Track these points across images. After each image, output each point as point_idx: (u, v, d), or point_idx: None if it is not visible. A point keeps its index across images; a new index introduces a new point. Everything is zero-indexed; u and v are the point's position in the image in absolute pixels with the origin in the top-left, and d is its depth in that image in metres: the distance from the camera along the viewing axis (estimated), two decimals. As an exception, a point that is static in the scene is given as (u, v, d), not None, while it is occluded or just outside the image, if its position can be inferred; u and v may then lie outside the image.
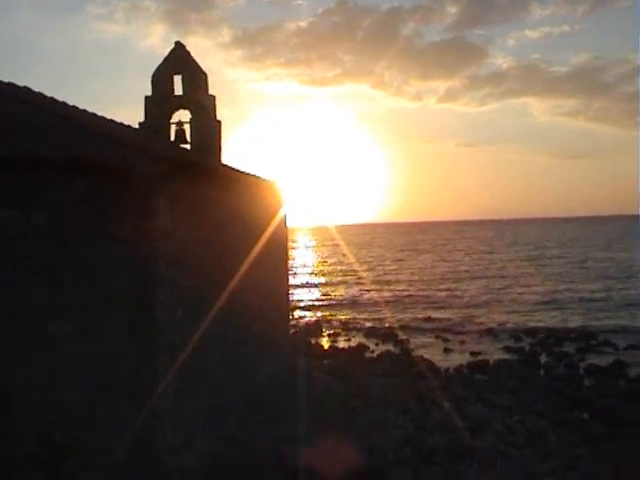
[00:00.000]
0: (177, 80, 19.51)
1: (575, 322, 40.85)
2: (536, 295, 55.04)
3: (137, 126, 18.73)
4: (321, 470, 12.54)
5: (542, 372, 27.19)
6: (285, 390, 16.85)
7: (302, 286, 69.19)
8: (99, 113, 14.12)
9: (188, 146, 19.02)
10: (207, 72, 19.70)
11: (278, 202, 19.30)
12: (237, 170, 15.57)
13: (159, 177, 10.68)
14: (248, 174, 16.33)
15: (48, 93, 12.06)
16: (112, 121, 14.51)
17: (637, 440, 17.41)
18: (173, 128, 19.41)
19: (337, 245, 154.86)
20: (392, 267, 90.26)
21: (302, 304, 53.70)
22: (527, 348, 32.58)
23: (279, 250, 19.29)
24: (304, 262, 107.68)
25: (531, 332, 38.09)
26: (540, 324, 41.20)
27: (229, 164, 16.68)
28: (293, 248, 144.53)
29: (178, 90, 19.51)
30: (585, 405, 21.14)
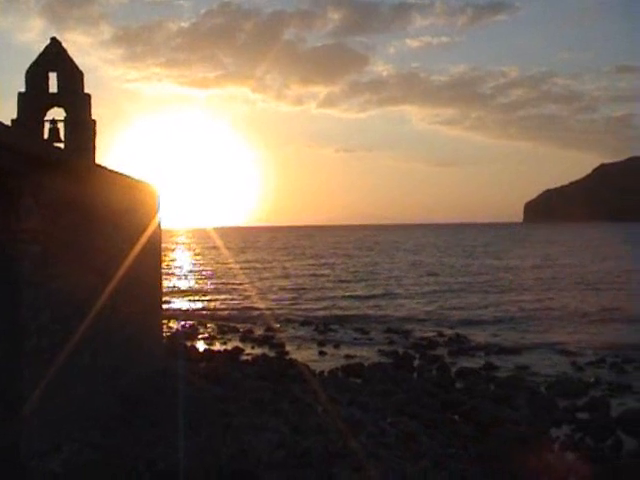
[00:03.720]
0: (52, 77, 19.12)
1: (449, 332, 40.92)
2: (416, 303, 55.67)
3: (9, 123, 18.20)
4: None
5: (415, 375, 27.68)
6: (159, 393, 16.65)
7: (179, 289, 68.44)
8: (-33, 108, 13.68)
9: (62, 145, 18.63)
10: (86, 70, 19.42)
11: (153, 204, 19.09)
12: (111, 171, 15.31)
13: (28, 176, 10.41)
14: (123, 175, 16.09)
15: None
16: (-20, 116, 14.06)
17: (504, 439, 17.93)
18: (47, 126, 19.02)
19: (216, 248, 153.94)
20: (270, 272, 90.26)
21: (178, 307, 53.16)
22: (401, 352, 33.07)
23: (153, 252, 19.08)
24: (181, 265, 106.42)
25: (405, 336, 38.77)
26: (413, 329, 41.85)
27: (104, 164, 16.39)
28: (171, 250, 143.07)
29: (53, 87, 19.11)
30: (456, 406, 21.65)
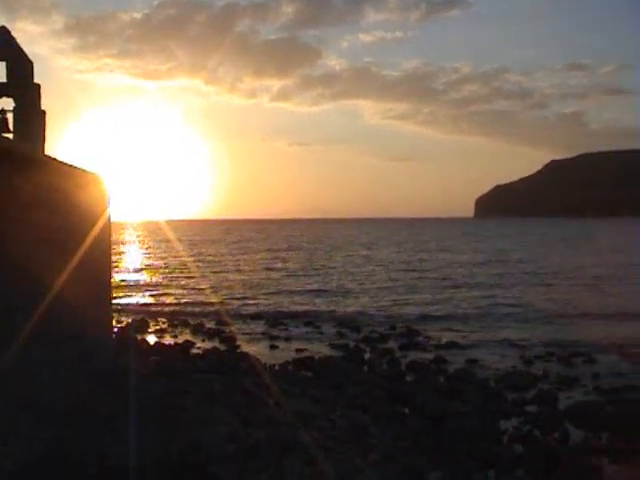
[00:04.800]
0: (1, 66, 18.86)
1: (400, 326, 40.67)
2: (368, 297, 55.63)
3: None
4: None
5: (366, 368, 27.76)
6: (109, 387, 16.53)
7: (129, 282, 67.87)
8: None
9: (11, 135, 18.39)
10: (36, 60, 19.17)
11: (103, 196, 18.93)
12: (61, 162, 15.15)
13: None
14: (73, 167, 15.93)
15: None
16: None
17: (454, 432, 18.09)
18: (-5, 117, 18.75)
19: (168, 241, 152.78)
20: (222, 266, 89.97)
21: (129, 301, 52.76)
22: (352, 345, 33.14)
23: (102, 245, 18.92)
24: (132, 258, 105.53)
25: (356, 330, 38.81)
26: (364, 323, 41.90)
27: (54, 156, 16.22)
28: (122, 243, 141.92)
29: (2, 77, 18.85)
30: (406, 400, 21.75)
